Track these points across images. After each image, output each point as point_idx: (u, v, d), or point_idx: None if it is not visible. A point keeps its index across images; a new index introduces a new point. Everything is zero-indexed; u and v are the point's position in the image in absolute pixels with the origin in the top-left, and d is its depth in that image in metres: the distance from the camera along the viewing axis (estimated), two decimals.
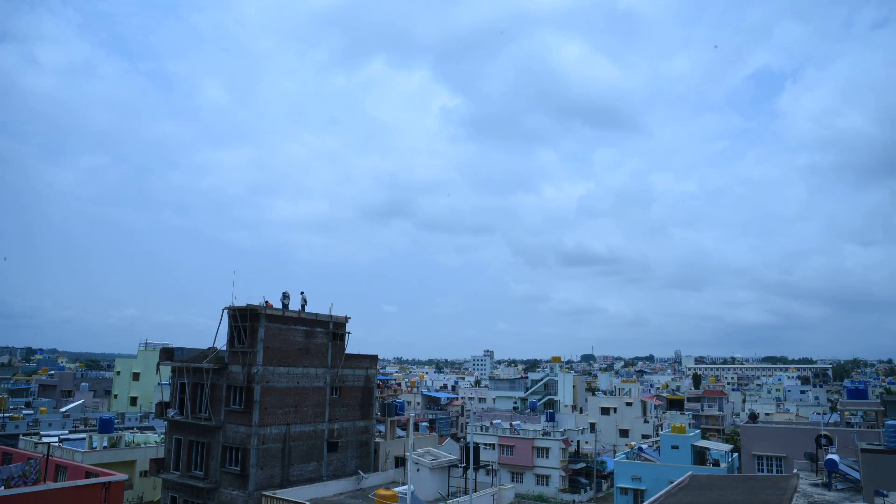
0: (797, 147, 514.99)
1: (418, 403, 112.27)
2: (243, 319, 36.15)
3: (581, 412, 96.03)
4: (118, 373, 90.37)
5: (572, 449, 72.48)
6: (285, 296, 38.58)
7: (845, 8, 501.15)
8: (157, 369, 42.85)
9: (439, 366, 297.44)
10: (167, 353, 40.30)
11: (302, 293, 39.50)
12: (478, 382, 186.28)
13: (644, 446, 57.75)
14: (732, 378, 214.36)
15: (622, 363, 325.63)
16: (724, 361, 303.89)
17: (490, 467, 65.69)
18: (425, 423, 78.78)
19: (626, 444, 65.10)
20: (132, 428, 61.09)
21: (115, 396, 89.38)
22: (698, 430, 60.44)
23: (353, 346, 43.19)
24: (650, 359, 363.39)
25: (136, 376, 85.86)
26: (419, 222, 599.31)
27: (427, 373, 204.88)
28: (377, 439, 44.36)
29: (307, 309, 39.16)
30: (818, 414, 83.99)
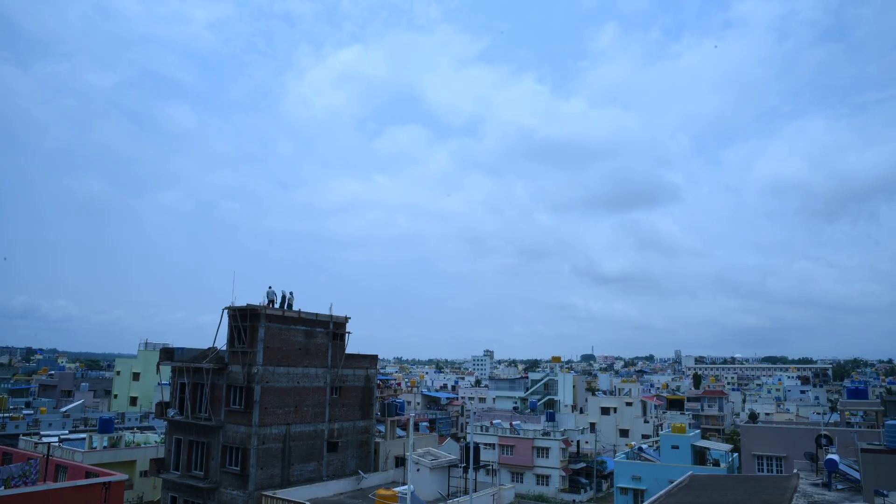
0: (760, 190, 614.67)
1: (418, 403, 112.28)
2: (243, 319, 36.15)
3: (581, 412, 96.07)
4: (118, 373, 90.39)
5: (572, 449, 72.49)
6: (291, 295, 38.54)
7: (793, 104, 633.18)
8: (157, 369, 42.82)
9: (439, 366, 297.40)
10: (167, 353, 40.28)
11: (273, 289, 39.04)
12: (478, 382, 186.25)
13: (644, 446, 57.75)
14: (732, 378, 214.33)
15: (622, 363, 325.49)
16: (724, 361, 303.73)
17: (490, 467, 65.68)
18: (425, 423, 78.77)
19: (626, 444, 65.08)
20: (132, 428, 61.09)
21: (115, 396, 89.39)
22: (698, 430, 60.44)
23: (353, 346, 43.29)
24: (650, 359, 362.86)
25: (136, 376, 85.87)
26: (481, 250, 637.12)
27: (427, 373, 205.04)
28: (377, 439, 44.35)
29: (295, 308, 38.66)
30: (818, 414, 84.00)
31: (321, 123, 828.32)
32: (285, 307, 37.93)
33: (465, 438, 72.39)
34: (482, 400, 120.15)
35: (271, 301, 37.71)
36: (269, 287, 38.31)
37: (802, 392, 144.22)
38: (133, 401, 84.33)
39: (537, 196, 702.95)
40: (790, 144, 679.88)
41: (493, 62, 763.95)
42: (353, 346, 42.56)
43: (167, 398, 40.46)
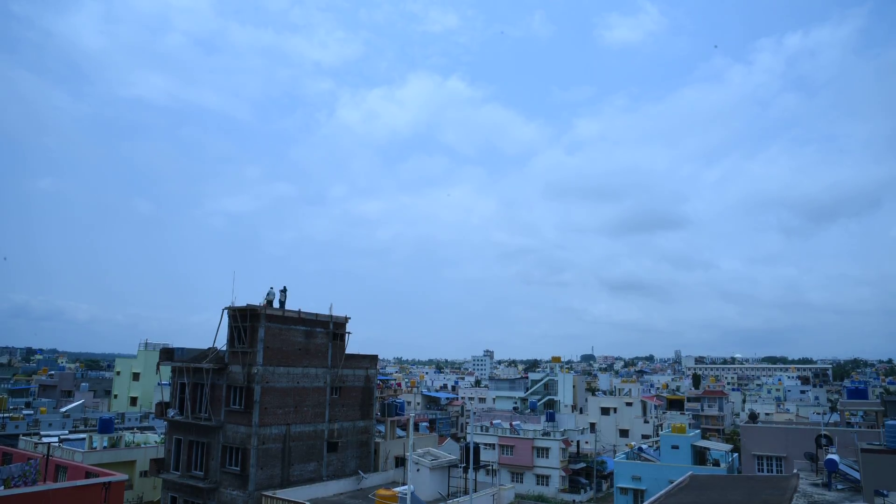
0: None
1: (418, 403, 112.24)
2: (243, 319, 36.15)
3: (581, 412, 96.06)
4: (118, 373, 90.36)
5: (572, 449, 72.50)
6: (283, 292, 38.51)
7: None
8: (157, 369, 42.85)
9: (439, 366, 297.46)
10: (167, 354, 40.28)
11: (274, 289, 38.99)
12: (478, 382, 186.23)
13: (644, 446, 57.76)
14: (732, 378, 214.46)
15: (622, 363, 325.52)
16: (724, 361, 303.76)
17: (490, 467, 65.67)
18: (425, 423, 78.74)
19: (626, 444, 65.11)
20: (132, 428, 61.09)
21: (115, 396, 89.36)
22: (698, 430, 60.44)
23: (354, 346, 43.25)
24: (650, 359, 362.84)
25: (136, 376, 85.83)
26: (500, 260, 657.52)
27: (427, 373, 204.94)
28: (377, 439, 44.37)
29: (287, 305, 38.68)
30: (818, 414, 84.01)
31: (352, 152, 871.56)
32: (276, 304, 37.92)
33: (465, 438, 72.41)
34: (482, 400, 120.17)
35: (270, 301, 37.76)
36: (271, 287, 38.43)
37: (802, 392, 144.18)
38: (133, 401, 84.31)
39: (553, 220, 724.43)
40: (775, 168, 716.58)
41: (505, 106, 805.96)
42: (353, 347, 42.65)
43: (167, 398, 40.47)
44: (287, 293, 38.74)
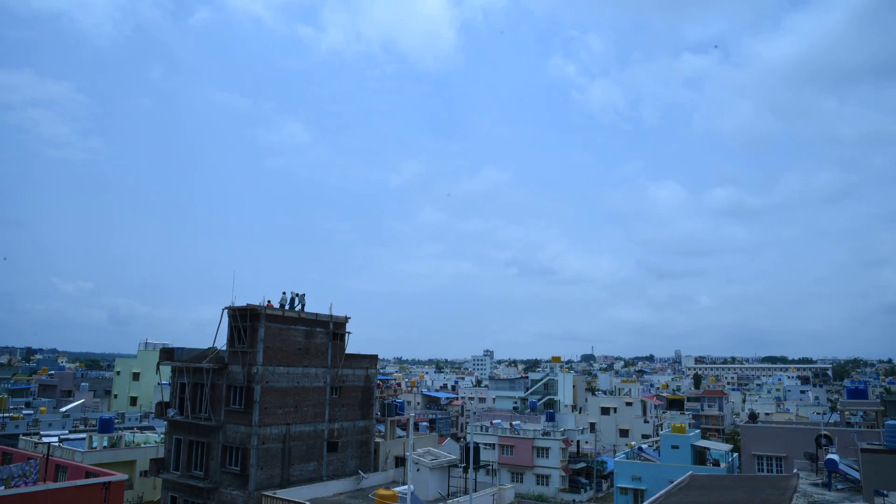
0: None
1: (418, 403, 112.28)
2: (243, 319, 36.15)
3: (581, 412, 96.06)
4: (118, 373, 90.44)
5: (572, 449, 72.50)
6: (301, 297, 38.90)
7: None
8: (157, 369, 42.83)
9: (439, 366, 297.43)
10: (167, 353, 40.29)
11: (300, 295, 39.38)
12: (478, 382, 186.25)
13: (644, 446, 57.75)
14: (732, 378, 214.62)
15: (622, 363, 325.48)
16: (724, 361, 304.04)
17: (490, 467, 65.71)
18: (425, 423, 78.65)
19: (626, 444, 65.12)
20: (132, 428, 61.12)
21: (115, 396, 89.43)
22: (698, 430, 60.42)
23: (353, 346, 43.25)
24: (650, 359, 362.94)
25: (136, 376, 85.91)
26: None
27: (427, 373, 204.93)
28: (377, 439, 44.36)
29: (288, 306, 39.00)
30: (818, 414, 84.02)
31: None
32: (287, 307, 38.08)
33: (465, 438, 72.39)
34: (482, 400, 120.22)
35: (283, 304, 38.04)
36: (284, 292, 38.57)
37: (802, 392, 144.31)
38: (133, 401, 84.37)
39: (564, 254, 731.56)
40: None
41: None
42: (353, 346, 42.64)
43: (167, 398, 40.47)
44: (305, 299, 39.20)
